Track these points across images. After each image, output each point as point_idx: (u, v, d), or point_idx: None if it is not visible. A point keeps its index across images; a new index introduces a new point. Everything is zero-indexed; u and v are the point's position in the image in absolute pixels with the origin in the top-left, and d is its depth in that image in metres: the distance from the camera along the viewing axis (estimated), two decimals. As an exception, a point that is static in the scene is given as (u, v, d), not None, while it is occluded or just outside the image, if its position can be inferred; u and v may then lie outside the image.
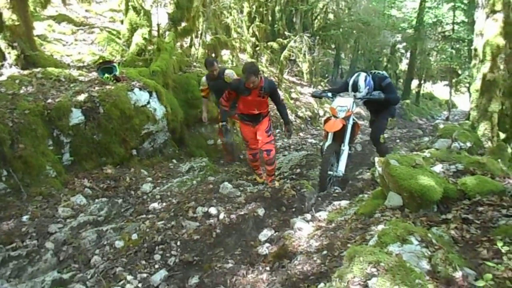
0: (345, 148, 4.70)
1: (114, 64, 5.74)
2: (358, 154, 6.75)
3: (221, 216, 3.67)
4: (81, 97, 4.79)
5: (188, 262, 3.06)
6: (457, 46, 17.77)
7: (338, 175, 4.64)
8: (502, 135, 7.39)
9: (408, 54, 22.19)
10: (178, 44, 8.97)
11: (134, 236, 3.41)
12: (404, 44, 21.20)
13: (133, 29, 7.59)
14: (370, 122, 5.98)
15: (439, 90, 28.91)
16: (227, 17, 12.49)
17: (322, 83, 14.60)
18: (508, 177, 2.82)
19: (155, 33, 7.96)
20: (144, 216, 3.96)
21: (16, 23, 4.95)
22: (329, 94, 5.15)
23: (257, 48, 13.02)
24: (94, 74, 5.55)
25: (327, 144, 4.71)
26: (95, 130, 4.80)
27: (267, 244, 3.13)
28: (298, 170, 5.27)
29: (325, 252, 2.53)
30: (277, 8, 15.10)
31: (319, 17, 18.61)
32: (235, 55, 11.42)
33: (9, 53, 5.01)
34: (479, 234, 2.15)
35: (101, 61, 6.07)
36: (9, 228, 3.35)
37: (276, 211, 3.83)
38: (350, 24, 17.06)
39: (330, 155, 4.61)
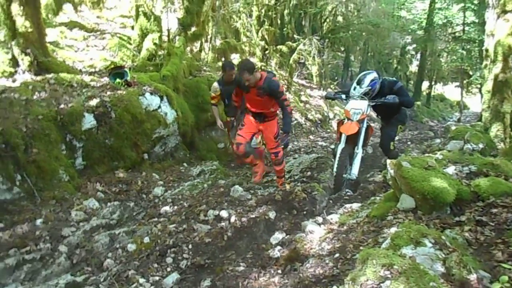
0: (359, 151, 4.69)
1: (125, 69, 5.81)
2: (369, 157, 6.72)
3: (232, 219, 3.68)
4: (93, 102, 4.85)
5: (200, 265, 3.07)
6: (468, 47, 17.57)
7: (352, 178, 4.63)
8: (515, 136, 7.28)
9: (418, 56, 22.01)
10: (188, 48, 9.03)
11: (146, 239, 3.44)
12: (414, 45, 21.02)
13: (143, 35, 7.68)
14: (381, 128, 5.95)
15: (450, 91, 28.63)
16: (237, 21, 12.55)
17: (332, 86, 14.57)
18: (522, 179, 2.78)
19: (165, 38, 8.02)
20: (156, 219, 3.99)
21: (29, 30, 5.03)
22: (343, 96, 5.15)
23: (267, 52, 13.04)
24: (105, 79, 5.61)
25: (340, 146, 4.69)
26: (107, 135, 4.86)
27: (278, 247, 3.13)
28: (309, 173, 5.25)
29: (337, 255, 2.52)
30: (286, 11, 15.10)
31: (328, 20, 18.56)
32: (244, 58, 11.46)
33: (22, 59, 5.09)
34: (494, 236, 2.12)
35: (112, 66, 6.14)
36: (23, 232, 3.40)
37: (287, 214, 3.83)
38: (360, 27, 16.98)
39: (345, 158, 4.61)
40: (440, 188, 2.50)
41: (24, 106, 4.36)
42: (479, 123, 7.33)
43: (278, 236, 3.36)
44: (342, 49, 19.07)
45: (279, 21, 14.58)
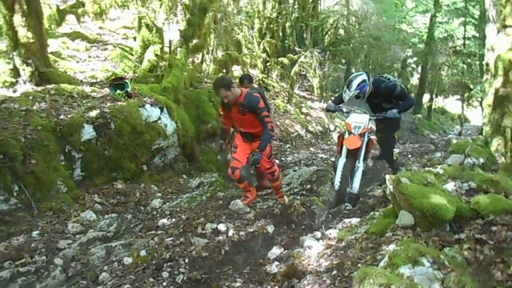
0: (360, 165, 4.68)
1: (126, 80, 5.83)
2: (369, 170, 6.69)
3: (230, 233, 3.64)
4: (93, 113, 4.85)
5: (196, 280, 3.03)
6: (469, 60, 17.63)
7: (353, 192, 4.61)
8: (516, 151, 7.25)
9: (419, 69, 22.09)
10: (190, 60, 9.08)
11: (143, 253, 3.40)
12: (415, 59, 21.11)
13: (145, 46, 7.72)
14: (376, 135, 5.94)
15: (451, 104, 28.62)
16: (238, 34, 12.64)
17: (332, 98, 14.59)
18: (522, 196, 2.75)
19: (167, 49, 8.07)
20: (153, 232, 3.96)
21: (31, 40, 5.06)
22: (344, 109, 5.15)
23: (268, 64, 13.10)
24: (106, 90, 5.63)
25: (341, 160, 4.68)
26: (106, 146, 4.85)
27: (276, 263, 3.10)
28: (309, 186, 5.23)
29: (335, 272, 2.49)
30: (287, 24, 15.22)
31: (329, 33, 18.70)
32: (245, 70, 11.50)
33: (23, 69, 5.11)
34: (493, 255, 2.09)
35: (113, 77, 6.16)
36: (19, 243, 3.37)
37: (285, 228, 3.79)
38: (361, 39, 17.09)
39: (348, 172, 4.60)
40: (439, 205, 2.48)
41: (23, 116, 4.37)
42: (480, 136, 7.30)
43: (276, 251, 3.33)
44: (343, 61, 19.18)
45: (280, 34, 14.67)
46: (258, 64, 12.56)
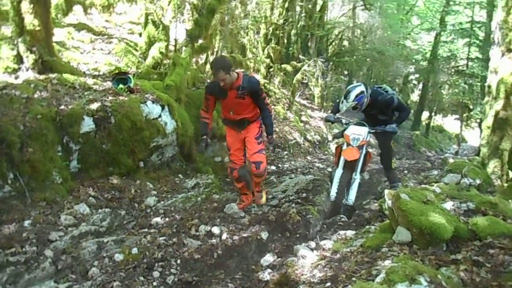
0: (357, 177, 4.67)
1: (129, 75, 5.80)
2: (365, 183, 6.68)
3: (224, 236, 3.62)
4: (94, 106, 4.82)
5: (187, 282, 3.00)
6: (470, 81, 17.73)
7: (349, 204, 4.60)
8: (512, 174, 7.28)
9: (420, 86, 22.20)
10: (194, 60, 9.06)
11: (135, 250, 3.36)
12: (417, 75, 21.22)
13: (150, 42, 7.70)
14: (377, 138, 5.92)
15: (450, 123, 28.77)
16: (244, 37, 12.64)
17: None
18: (520, 221, 2.74)
19: (172, 47, 8.06)
20: (146, 230, 3.93)
21: (37, 28, 5.02)
22: (343, 121, 5.15)
23: (271, 69, 13.12)
24: (108, 84, 5.60)
25: (338, 171, 4.66)
26: (105, 140, 4.81)
27: (268, 270, 3.07)
28: (304, 195, 5.20)
29: (328, 284, 2.46)
30: (293, 31, 15.25)
31: (334, 43, 18.77)
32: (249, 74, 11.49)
33: (27, 57, 5.07)
34: (490, 278, 2.08)
35: (116, 71, 6.13)
36: (10, 232, 3.33)
37: (280, 235, 3.77)
38: (364, 52, 17.17)
39: (345, 184, 4.58)
40: (438, 224, 2.47)
41: (24, 104, 4.33)
42: (477, 157, 7.32)
43: (269, 258, 3.30)
44: (346, 73, 19.23)
45: (285, 41, 14.71)
46: (261, 69, 12.57)
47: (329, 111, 5.31)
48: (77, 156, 4.62)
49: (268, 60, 12.92)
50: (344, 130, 4.99)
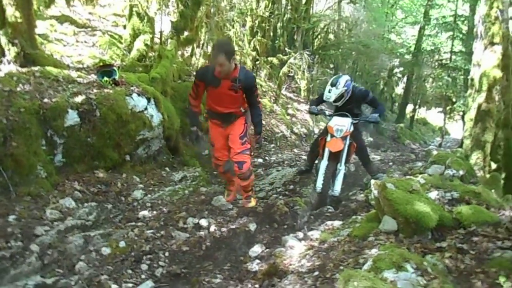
0: (342, 168, 4.72)
1: (114, 68, 5.71)
2: (351, 175, 6.74)
3: (212, 228, 3.62)
4: (78, 99, 4.74)
5: (176, 274, 3.00)
6: (454, 74, 18.05)
7: (335, 195, 4.65)
8: (494, 165, 7.45)
9: (405, 79, 22.47)
10: (180, 52, 8.98)
11: (122, 244, 3.34)
12: (402, 69, 21.47)
13: (135, 35, 7.60)
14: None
15: (433, 116, 29.21)
16: (230, 30, 12.56)
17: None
18: (503, 209, 2.82)
19: (157, 40, 7.96)
20: (133, 223, 3.90)
21: (19, 20, 4.90)
22: (327, 113, 5.18)
23: (257, 62, 13.10)
24: (93, 77, 5.51)
25: (323, 163, 4.70)
26: (90, 133, 4.74)
27: (257, 261, 3.09)
28: (292, 187, 5.24)
29: (316, 273, 2.49)
30: (279, 24, 15.23)
31: (319, 37, 18.80)
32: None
33: (9, 49, 4.95)
34: (474, 265, 2.13)
35: (101, 64, 6.04)
36: (-5, 227, 3.27)
37: (268, 227, 3.79)
38: (350, 46, 17.25)
39: (330, 175, 4.63)
40: (423, 213, 2.51)
41: (6, 97, 4.22)
42: (460, 149, 7.46)
43: (257, 249, 3.32)
44: (332, 66, 19.30)
45: (271, 33, 14.69)
46: (247, 62, 12.53)
47: (309, 104, 5.32)
48: (62, 150, 4.55)
49: (254, 53, 12.89)
50: (328, 121, 5.03)
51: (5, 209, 3.52)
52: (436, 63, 19.16)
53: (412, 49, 20.26)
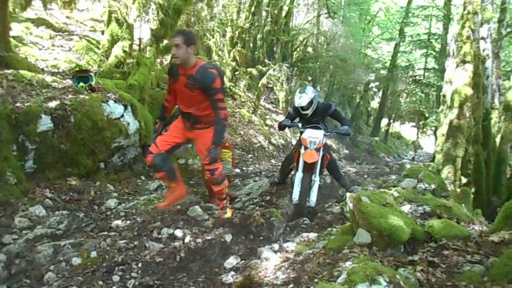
0: (316, 179, 4.76)
1: (91, 73, 5.61)
2: (327, 187, 6.81)
3: (187, 239, 3.57)
4: (52, 104, 4.63)
5: (149, 286, 2.94)
6: (427, 90, 18.63)
7: (311, 206, 4.68)
8: (464, 180, 7.69)
9: (380, 94, 23.03)
10: (159, 60, 8.93)
11: (93, 254, 3.25)
12: (377, 83, 22.00)
13: (113, 41, 7.51)
14: None
15: (407, 130, 29.99)
16: (210, 39, 12.60)
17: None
18: (472, 223, 2.90)
19: (136, 47, 7.89)
20: (106, 233, 3.80)
21: (-7, 22, 4.79)
22: (299, 125, 5.23)
23: (237, 73, 13.15)
24: (68, 82, 5.40)
25: (298, 174, 4.74)
26: (63, 139, 4.63)
27: (232, 273, 3.06)
28: (268, 197, 5.24)
29: (291, 285, 2.49)
30: (259, 36, 15.38)
31: (298, 49, 19.08)
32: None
33: (-19, 51, 4.82)
34: (444, 278, 2.18)
35: (77, 69, 5.93)
36: (-41, 235, 3.14)
37: (243, 238, 3.77)
38: (328, 59, 17.56)
39: (307, 186, 4.66)
40: (396, 226, 2.56)
41: (-24, 100, 4.10)
42: (432, 163, 7.66)
43: (232, 261, 3.30)
44: (310, 78, 19.57)
45: (251, 45, 14.80)
46: (227, 72, 12.56)
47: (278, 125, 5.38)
48: (33, 156, 4.42)
49: (234, 63, 12.95)
50: (301, 134, 5.09)
51: (-29, 216, 3.39)
52: (410, 79, 19.76)
53: (387, 64, 20.85)
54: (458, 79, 7.38)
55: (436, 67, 17.58)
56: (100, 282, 2.93)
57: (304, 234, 3.74)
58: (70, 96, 4.96)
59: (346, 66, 17.31)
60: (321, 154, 4.85)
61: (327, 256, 2.73)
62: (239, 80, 13.49)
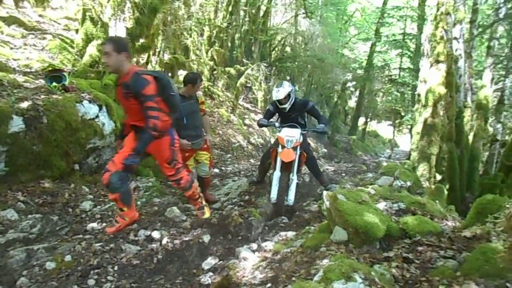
0: (294, 178, 4.79)
1: (64, 73, 5.48)
2: (305, 185, 6.86)
3: (164, 241, 3.54)
4: (24, 105, 4.50)
5: (125, 289, 2.89)
6: (402, 90, 19.02)
7: (289, 204, 4.70)
8: (439, 177, 7.88)
9: (357, 93, 23.36)
10: (135, 60, 8.80)
11: (68, 258, 3.18)
12: (354, 83, 22.30)
13: (88, 40, 7.35)
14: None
15: (383, 129, 30.55)
16: (187, 38, 12.50)
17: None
18: (445, 219, 2.97)
19: (111, 46, 7.74)
20: (80, 236, 3.72)
21: (-40, 19, 4.63)
22: (276, 124, 5.24)
23: (215, 72, 13.09)
24: (41, 82, 5.27)
25: (276, 173, 4.76)
26: (36, 141, 4.51)
27: (210, 273, 3.05)
28: (247, 197, 5.24)
29: (269, 285, 2.50)
30: (237, 35, 15.36)
31: (276, 49, 19.14)
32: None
33: None
34: (419, 274, 2.22)
35: (50, 68, 5.78)
36: None
37: (222, 238, 3.76)
38: (306, 59, 17.68)
39: (285, 185, 4.68)
40: (372, 223, 2.60)
41: None
42: (408, 161, 7.82)
43: (210, 261, 3.28)
44: (288, 78, 19.67)
45: (229, 44, 14.76)
46: (204, 71, 12.50)
47: (258, 122, 5.38)
48: (5, 158, 4.28)
49: (211, 63, 12.89)
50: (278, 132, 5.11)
51: None
52: (386, 79, 20.11)
53: (364, 64, 21.16)
54: (432, 78, 7.54)
55: (411, 66, 17.96)
56: (75, 287, 2.87)
57: (283, 233, 3.76)
58: (42, 96, 4.83)
59: (323, 66, 17.47)
60: (298, 152, 4.88)
61: (305, 255, 2.74)
62: (218, 80, 13.45)
